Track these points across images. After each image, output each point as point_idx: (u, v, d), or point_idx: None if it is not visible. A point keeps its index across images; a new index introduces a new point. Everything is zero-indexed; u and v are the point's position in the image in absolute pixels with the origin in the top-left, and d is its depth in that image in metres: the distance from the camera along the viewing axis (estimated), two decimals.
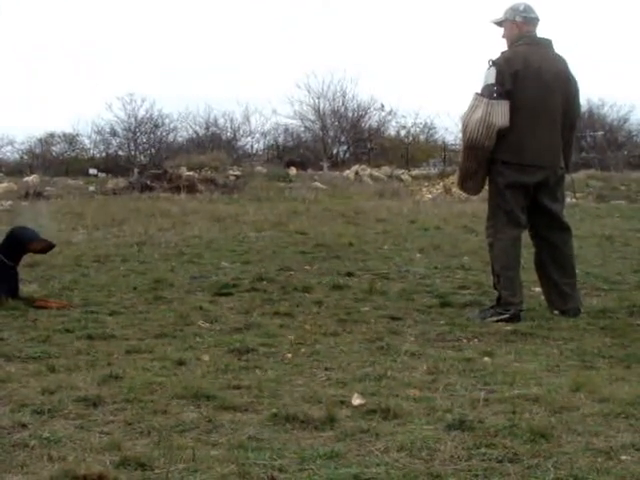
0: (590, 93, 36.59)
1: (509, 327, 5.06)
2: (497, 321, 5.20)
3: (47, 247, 6.19)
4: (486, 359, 4.23)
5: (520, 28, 5.35)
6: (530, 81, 5.20)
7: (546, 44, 5.36)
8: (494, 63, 5.24)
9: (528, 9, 5.38)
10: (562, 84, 5.31)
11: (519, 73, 5.19)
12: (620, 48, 53.80)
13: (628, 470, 2.61)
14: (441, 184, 22.48)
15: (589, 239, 10.27)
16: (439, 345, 4.62)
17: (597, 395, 3.48)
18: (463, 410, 3.28)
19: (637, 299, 6.05)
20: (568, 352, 4.43)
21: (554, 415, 3.21)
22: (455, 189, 20.98)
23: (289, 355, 4.33)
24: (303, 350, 4.45)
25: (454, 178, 17.68)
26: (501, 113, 5.14)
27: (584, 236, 10.44)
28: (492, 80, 5.19)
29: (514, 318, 5.23)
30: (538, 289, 6.27)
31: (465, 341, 4.73)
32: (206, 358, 4.23)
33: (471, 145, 5.21)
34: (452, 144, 35.47)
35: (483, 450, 2.80)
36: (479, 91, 5.24)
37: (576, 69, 5.47)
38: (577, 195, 5.51)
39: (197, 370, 3.98)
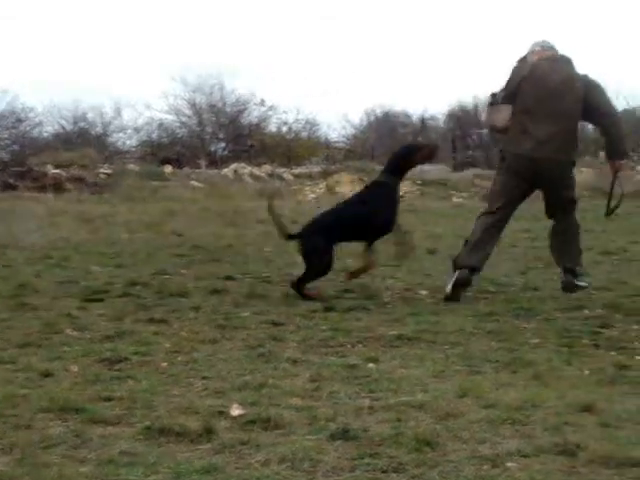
0: (479, 91, 37.65)
1: (394, 332, 5.15)
2: (452, 287, 6.21)
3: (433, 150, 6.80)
4: (371, 365, 4.29)
5: (540, 54, 6.43)
6: (532, 85, 6.28)
7: (562, 60, 6.41)
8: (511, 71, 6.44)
9: (545, 42, 6.52)
10: (570, 88, 6.26)
11: (524, 78, 6.31)
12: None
13: (513, 477, 2.70)
14: (324, 183, 22.66)
15: None
16: (322, 351, 4.66)
17: (483, 401, 3.58)
18: (347, 419, 3.32)
19: (524, 301, 6.26)
20: (454, 357, 4.54)
21: (440, 422, 3.28)
22: (339, 188, 21.22)
23: (164, 364, 4.27)
24: (179, 358, 4.40)
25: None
26: (499, 117, 6.41)
27: None
28: (500, 88, 6.45)
29: (461, 281, 6.23)
30: (424, 291, 6.42)
31: (349, 347, 4.79)
32: (75, 368, 4.13)
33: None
34: (335, 141, 35.80)
35: (367, 460, 2.83)
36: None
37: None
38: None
39: (64, 381, 3.88)
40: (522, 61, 6.42)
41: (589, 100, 6.24)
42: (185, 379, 3.99)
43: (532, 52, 6.46)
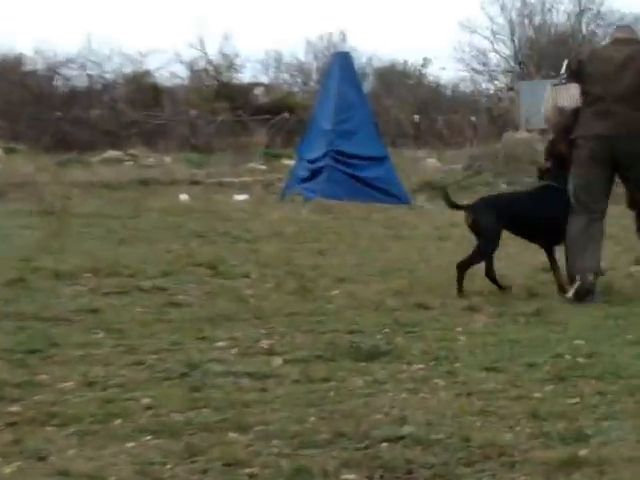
0: None
1: None
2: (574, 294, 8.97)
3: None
4: None
5: (612, 37, 9.86)
6: (596, 67, 9.27)
7: (629, 40, 9.44)
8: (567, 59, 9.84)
9: (623, 26, 10.84)
10: (634, 63, 9.23)
11: (583, 61, 9.43)
12: None
13: None
14: None
15: None
16: None
17: None
18: None
19: None
20: None
21: None
22: None
23: None
24: None
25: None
26: (567, 96, 9.30)
27: None
28: (562, 70, 9.56)
29: (583, 292, 8.96)
30: None
31: None
32: None
33: (554, 129, 9.66)
34: None
35: None
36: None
37: None
38: None
39: None
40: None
41: None
42: None
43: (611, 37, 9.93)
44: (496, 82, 52.12)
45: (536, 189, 10.01)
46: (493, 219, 9.41)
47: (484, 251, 9.42)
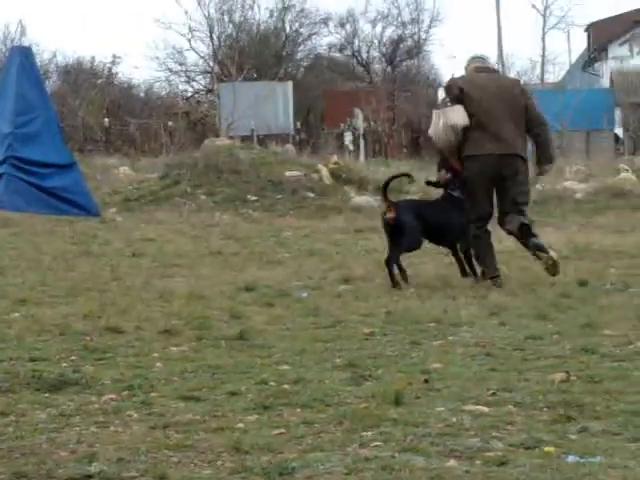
0: None
1: None
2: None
3: None
4: None
5: (469, 67, 12.04)
6: (473, 94, 11.43)
7: (491, 69, 12.65)
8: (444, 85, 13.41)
9: (479, 55, 12.33)
10: (509, 92, 11.70)
11: (463, 89, 11.48)
12: None
13: None
14: None
15: None
16: None
17: None
18: None
19: None
20: None
21: None
22: None
23: None
24: None
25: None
26: (457, 115, 11.32)
27: None
28: (442, 96, 12.11)
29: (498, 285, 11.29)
30: None
31: None
32: None
33: (445, 148, 11.61)
34: None
35: None
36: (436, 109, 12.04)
37: None
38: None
39: None
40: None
41: (529, 109, 11.64)
42: None
43: (468, 65, 11.99)
44: (194, 83, 52.47)
45: (443, 198, 12.09)
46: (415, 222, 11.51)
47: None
